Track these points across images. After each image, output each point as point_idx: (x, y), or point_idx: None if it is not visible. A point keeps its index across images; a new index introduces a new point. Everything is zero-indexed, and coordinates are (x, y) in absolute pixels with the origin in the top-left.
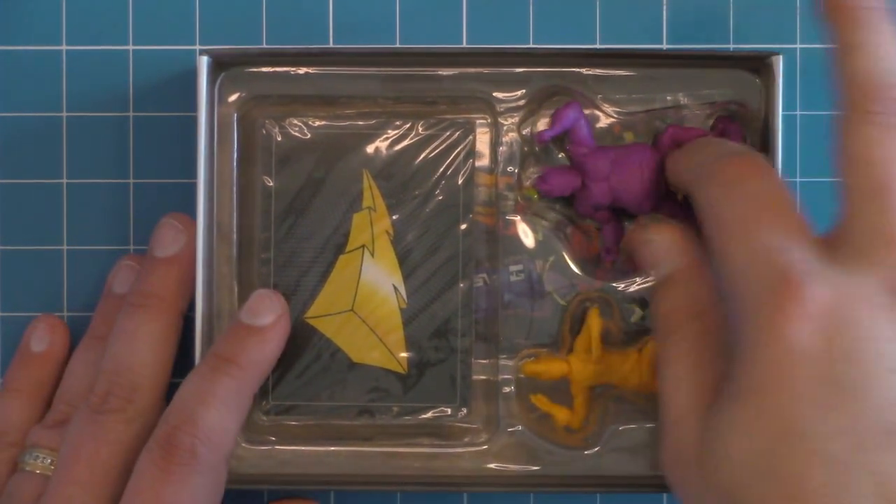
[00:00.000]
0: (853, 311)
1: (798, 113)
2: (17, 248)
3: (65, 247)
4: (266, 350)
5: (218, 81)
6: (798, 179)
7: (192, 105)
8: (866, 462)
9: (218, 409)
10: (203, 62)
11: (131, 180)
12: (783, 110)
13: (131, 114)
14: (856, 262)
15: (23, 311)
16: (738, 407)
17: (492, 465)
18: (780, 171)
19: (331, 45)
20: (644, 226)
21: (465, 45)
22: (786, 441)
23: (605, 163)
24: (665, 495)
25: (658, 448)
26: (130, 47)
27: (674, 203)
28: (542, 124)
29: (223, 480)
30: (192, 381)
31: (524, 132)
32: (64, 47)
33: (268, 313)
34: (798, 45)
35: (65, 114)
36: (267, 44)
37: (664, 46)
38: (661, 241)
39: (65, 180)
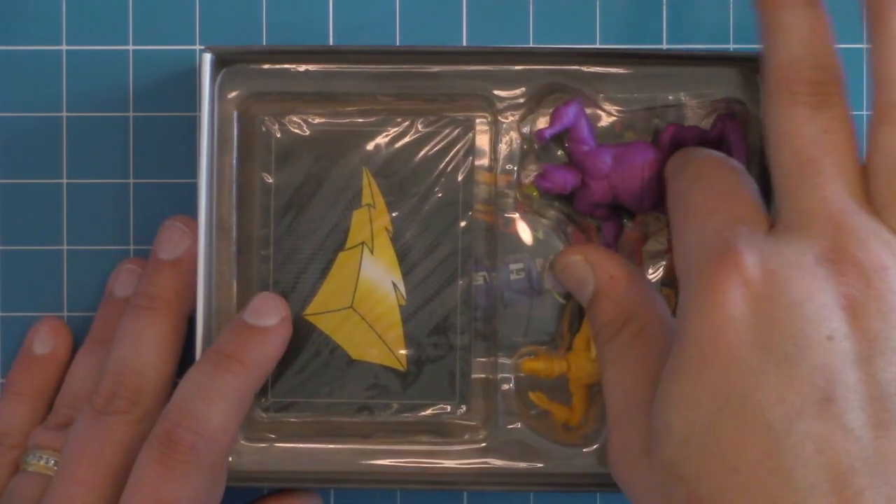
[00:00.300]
0: (787, 278)
1: None
2: (17, 248)
3: (65, 247)
4: (269, 350)
5: (219, 79)
6: None
7: (193, 104)
8: (804, 430)
9: (220, 406)
10: (206, 59)
11: (131, 180)
12: None
13: (131, 114)
14: (789, 234)
15: (23, 311)
16: (677, 380)
17: (490, 463)
18: None
19: (331, 43)
20: (563, 251)
21: (464, 44)
22: (724, 411)
23: (606, 161)
24: None
25: (605, 452)
26: (130, 47)
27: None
28: (542, 122)
29: (223, 478)
30: (193, 378)
31: (524, 130)
32: (64, 47)
33: (272, 314)
34: None
35: (65, 114)
36: (267, 43)
37: (664, 46)
38: (579, 262)
39: (65, 180)
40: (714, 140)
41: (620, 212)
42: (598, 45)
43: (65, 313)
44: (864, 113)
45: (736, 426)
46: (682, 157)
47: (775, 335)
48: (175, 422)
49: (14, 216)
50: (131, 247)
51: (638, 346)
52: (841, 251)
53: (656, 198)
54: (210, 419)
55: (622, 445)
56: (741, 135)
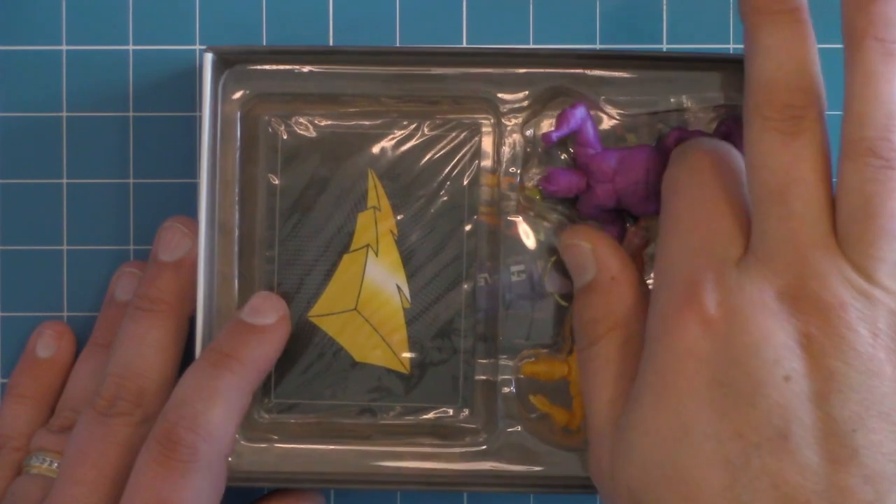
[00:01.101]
0: (748, 316)
1: None
2: (17, 248)
3: (65, 247)
4: (267, 348)
5: (221, 79)
6: None
7: (194, 104)
8: (761, 465)
9: (219, 406)
10: (208, 59)
11: (131, 180)
12: None
13: (131, 114)
14: (755, 269)
15: (23, 311)
16: (638, 406)
17: (490, 466)
18: None
19: (331, 43)
20: (575, 230)
21: (465, 44)
22: (683, 442)
23: (611, 164)
24: None
25: (590, 465)
26: (130, 47)
27: None
28: (545, 125)
29: (223, 477)
30: (192, 377)
31: (527, 133)
32: (64, 47)
33: (271, 313)
34: None
35: (65, 114)
36: (267, 43)
37: (664, 47)
38: (588, 248)
39: (65, 180)
40: None
41: (623, 215)
42: (601, 47)
43: (65, 313)
44: None
45: (694, 457)
46: (688, 144)
47: (733, 373)
48: (174, 422)
49: (14, 216)
50: (131, 247)
51: (621, 360)
52: (801, 288)
53: (660, 202)
54: (209, 419)
55: (594, 463)
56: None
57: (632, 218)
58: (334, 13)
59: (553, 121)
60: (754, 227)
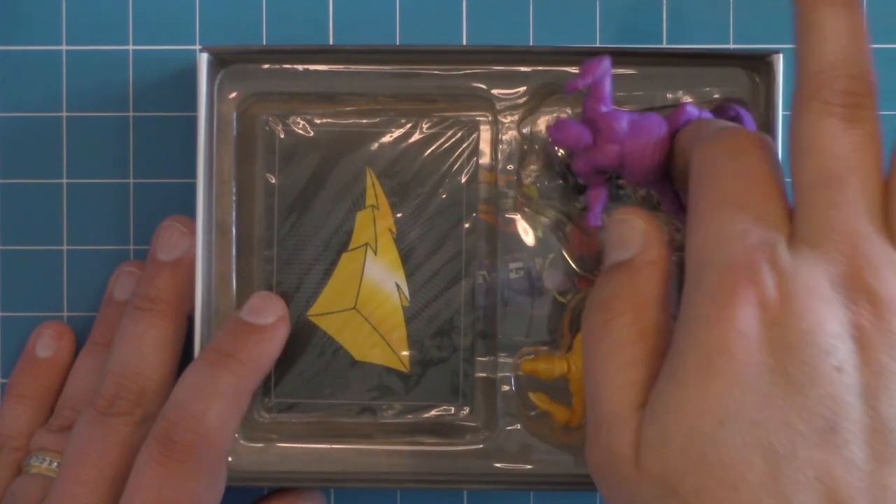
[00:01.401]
0: (804, 302)
1: None
2: (17, 248)
3: (65, 247)
4: (267, 348)
5: (218, 79)
6: None
7: (194, 104)
8: (807, 457)
9: (218, 406)
10: (203, 59)
11: (131, 180)
12: (786, 110)
13: (131, 114)
14: (808, 255)
15: (23, 311)
16: (679, 388)
17: (490, 464)
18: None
19: (331, 42)
20: (631, 208)
21: (464, 43)
22: (726, 427)
23: (622, 125)
24: None
25: (586, 449)
26: (130, 47)
27: (666, 184)
28: (541, 123)
29: (223, 477)
30: (191, 376)
31: (524, 130)
32: (64, 47)
33: (270, 313)
34: None
35: (65, 114)
36: (267, 43)
37: (664, 46)
38: (641, 226)
39: (65, 180)
40: None
41: (611, 182)
42: (598, 45)
43: (65, 313)
44: None
45: (738, 444)
46: (703, 126)
47: (785, 360)
48: (173, 421)
49: (14, 216)
50: (131, 247)
51: (641, 343)
52: (855, 278)
53: (660, 174)
54: (208, 418)
55: (607, 449)
56: (754, 124)
57: (617, 186)
58: (334, 13)
59: (550, 117)
60: (803, 212)
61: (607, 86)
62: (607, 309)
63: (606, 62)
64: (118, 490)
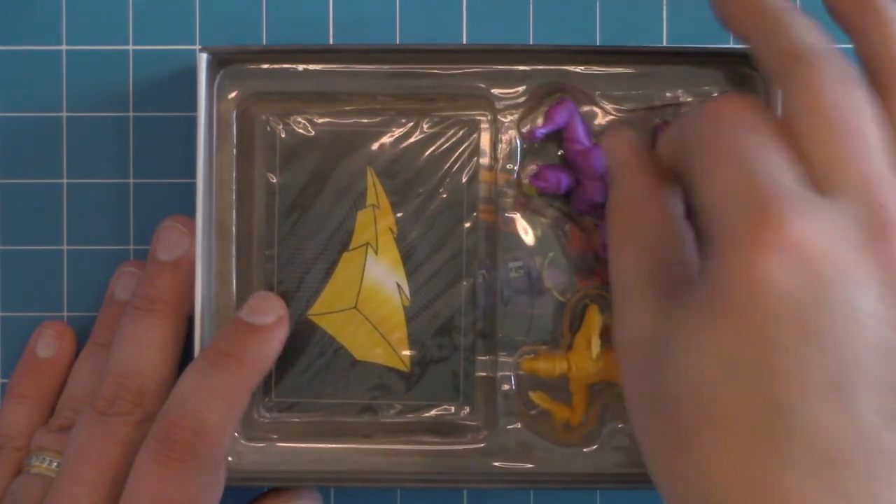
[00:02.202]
0: (826, 251)
1: None
2: (17, 248)
3: (65, 247)
4: (266, 348)
5: (217, 79)
6: None
7: (192, 104)
8: (809, 411)
9: (217, 405)
10: (202, 59)
11: (131, 180)
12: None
13: (131, 114)
14: (831, 201)
15: (23, 311)
16: (699, 322)
17: (491, 463)
18: None
19: (331, 42)
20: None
21: (464, 42)
22: (735, 372)
23: (599, 160)
24: None
25: (613, 328)
26: (130, 47)
27: None
28: (540, 122)
29: (223, 477)
30: (191, 376)
31: (523, 130)
32: (64, 47)
33: (269, 313)
34: None
35: (65, 114)
36: (267, 42)
37: (663, 45)
38: (624, 134)
39: (65, 180)
40: None
41: None
42: (596, 44)
43: (65, 313)
44: None
45: (742, 390)
46: (689, 114)
47: (805, 310)
48: (173, 421)
49: (14, 216)
50: (131, 247)
51: (659, 237)
52: (881, 228)
53: None
54: (208, 418)
55: (631, 333)
56: None
57: None
58: (335, 12)
59: (532, 167)
60: (819, 161)
61: (578, 126)
62: (625, 207)
63: (566, 107)
64: (118, 490)
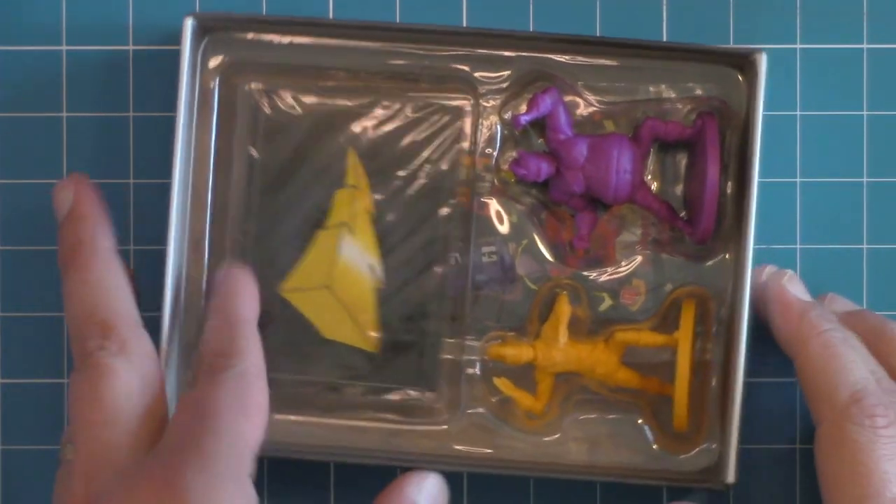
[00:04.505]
0: None
1: (798, 113)
2: (17, 248)
3: None
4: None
5: (201, 47)
6: (798, 179)
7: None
8: None
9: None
10: (188, 24)
11: (131, 180)
12: (784, 110)
13: (131, 114)
14: None
15: (23, 311)
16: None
17: (451, 445)
18: (756, 178)
19: (330, 16)
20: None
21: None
22: None
23: (581, 151)
24: (631, 487)
25: None
26: (130, 47)
27: (648, 193)
28: (523, 108)
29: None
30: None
31: (505, 116)
32: (64, 47)
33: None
34: (798, 46)
35: (65, 114)
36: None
37: (648, 40)
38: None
39: None
40: (692, 137)
41: (595, 203)
42: (582, 34)
43: (65, 314)
44: (864, 113)
45: None
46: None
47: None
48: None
49: (14, 217)
50: (131, 247)
51: None
52: None
53: (630, 191)
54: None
55: None
56: (717, 135)
57: (603, 206)
58: None
59: (513, 153)
60: None
61: (561, 115)
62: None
63: (551, 95)
64: (130, 420)
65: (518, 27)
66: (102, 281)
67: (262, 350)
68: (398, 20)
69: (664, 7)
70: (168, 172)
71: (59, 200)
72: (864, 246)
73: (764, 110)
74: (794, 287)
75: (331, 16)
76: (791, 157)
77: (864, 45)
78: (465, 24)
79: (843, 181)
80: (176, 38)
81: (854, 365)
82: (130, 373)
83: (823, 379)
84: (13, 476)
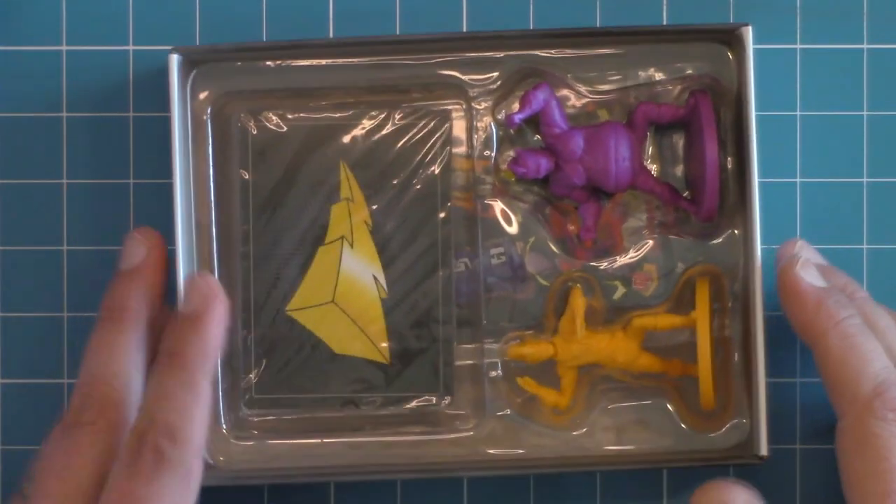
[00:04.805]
0: None
1: (798, 113)
2: (17, 248)
3: (65, 247)
4: (206, 336)
5: (191, 78)
6: (798, 180)
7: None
8: None
9: (174, 406)
10: (173, 60)
11: (131, 180)
12: (784, 110)
13: (131, 114)
14: None
15: (23, 311)
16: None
17: (483, 450)
18: (755, 151)
19: (331, 31)
20: None
21: (464, 30)
22: None
23: (577, 143)
24: (665, 471)
25: None
26: (130, 47)
27: (649, 177)
28: (516, 107)
29: (198, 475)
30: (149, 383)
31: (498, 116)
32: (64, 47)
33: (198, 300)
34: (798, 46)
35: (65, 114)
36: (268, 38)
37: (634, 25)
38: None
39: (65, 180)
40: (687, 117)
41: (598, 193)
42: (569, 27)
43: (65, 314)
44: (864, 113)
45: None
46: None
47: None
48: (140, 429)
49: (14, 216)
50: None
51: None
52: None
53: (631, 177)
54: (169, 420)
55: None
56: (712, 112)
57: (606, 195)
58: (335, 6)
59: (510, 151)
60: None
61: (554, 110)
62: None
63: (542, 90)
64: (85, 500)
65: (519, 25)
66: (123, 356)
67: (209, 399)
68: (399, 29)
69: (664, 7)
70: (168, 173)
71: (128, 250)
72: (864, 246)
73: (760, 109)
74: (808, 274)
75: (331, 31)
76: (791, 157)
77: (864, 46)
78: (465, 27)
79: (843, 181)
80: (176, 38)
81: (874, 355)
82: (103, 455)
83: (844, 371)
84: (13, 476)
